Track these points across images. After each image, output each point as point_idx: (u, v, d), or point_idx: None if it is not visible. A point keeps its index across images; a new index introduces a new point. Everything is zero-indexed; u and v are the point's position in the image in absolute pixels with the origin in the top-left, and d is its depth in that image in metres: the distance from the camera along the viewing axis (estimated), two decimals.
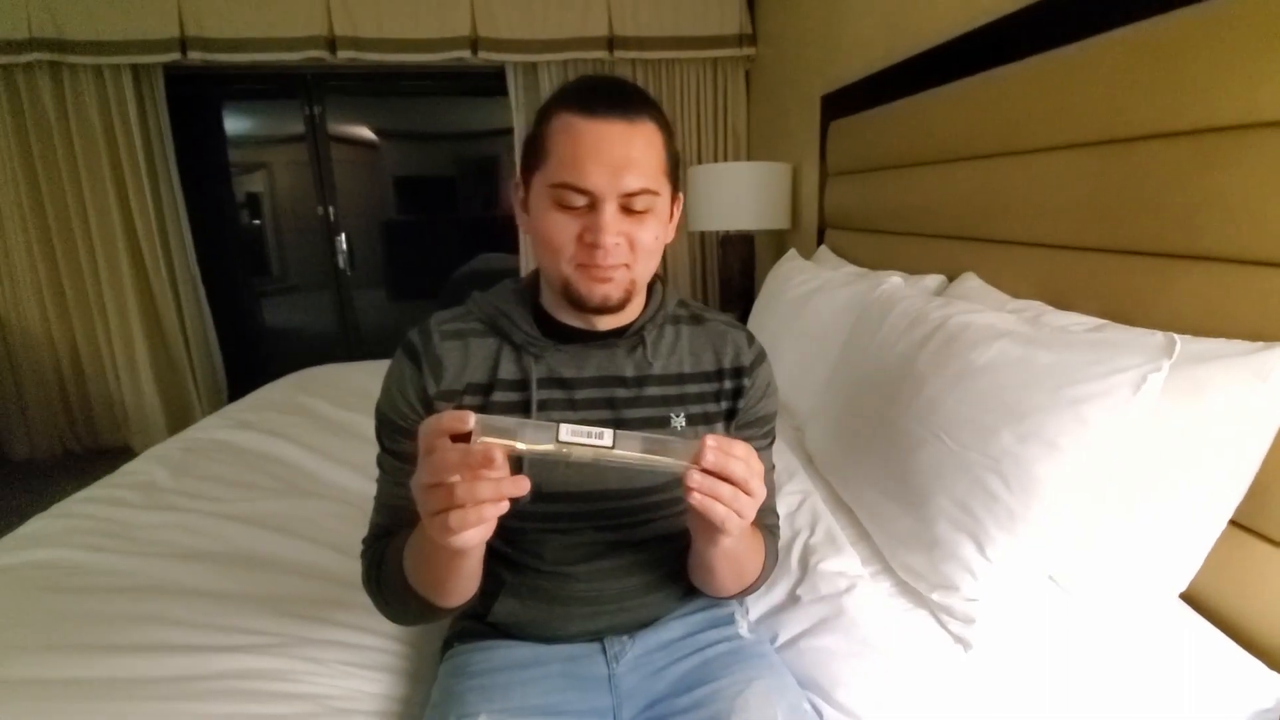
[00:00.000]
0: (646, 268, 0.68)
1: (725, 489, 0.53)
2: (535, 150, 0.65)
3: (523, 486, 0.49)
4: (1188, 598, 0.87)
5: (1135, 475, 0.82)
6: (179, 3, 2.56)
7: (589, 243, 0.63)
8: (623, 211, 0.63)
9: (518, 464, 0.63)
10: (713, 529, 0.56)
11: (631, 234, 0.64)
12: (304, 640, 0.85)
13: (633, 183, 0.62)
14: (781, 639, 0.86)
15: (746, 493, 0.54)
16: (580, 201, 0.62)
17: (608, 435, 0.51)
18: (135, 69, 2.63)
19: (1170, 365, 0.73)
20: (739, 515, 0.55)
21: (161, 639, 0.84)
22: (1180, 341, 0.74)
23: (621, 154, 0.62)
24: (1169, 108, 0.91)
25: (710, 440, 0.53)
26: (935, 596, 0.87)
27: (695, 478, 0.52)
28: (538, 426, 0.50)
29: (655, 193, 0.64)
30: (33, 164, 2.65)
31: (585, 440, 0.50)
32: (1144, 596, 0.84)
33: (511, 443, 0.49)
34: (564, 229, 0.64)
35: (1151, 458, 0.81)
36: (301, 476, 1.38)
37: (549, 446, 0.49)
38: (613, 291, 0.66)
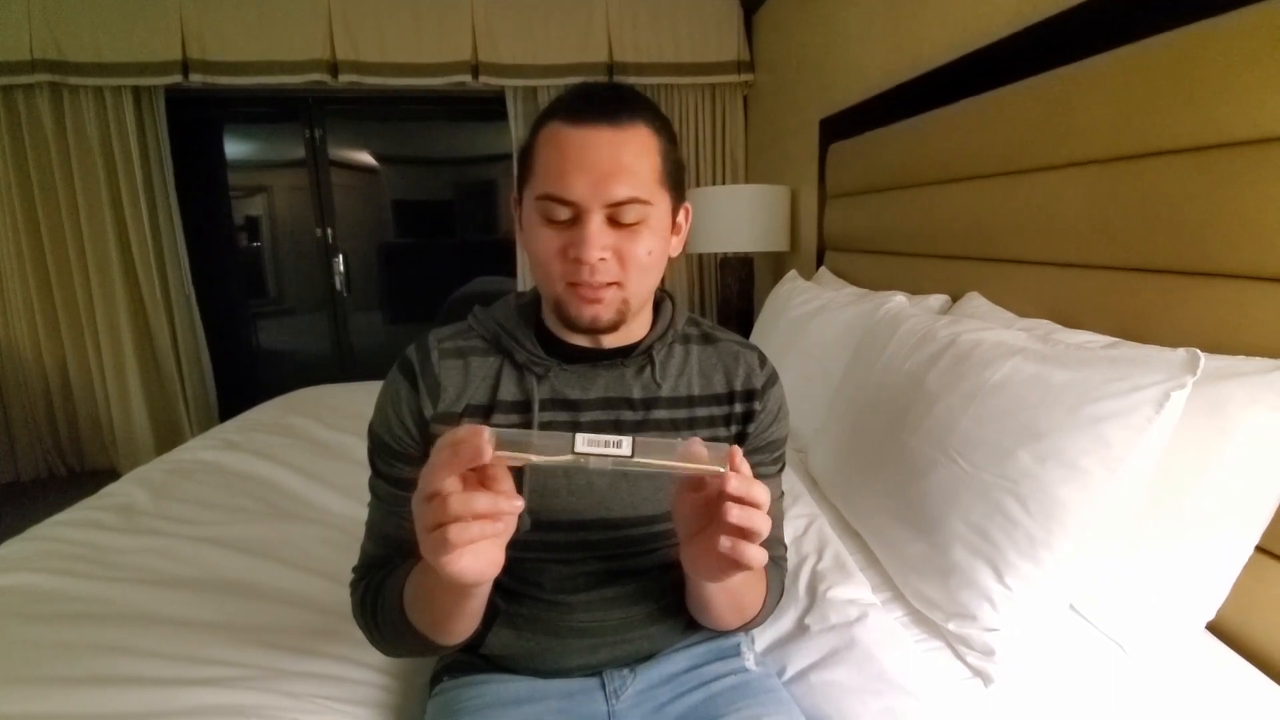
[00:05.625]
0: (641, 284, 0.63)
1: (759, 519, 0.48)
2: (526, 163, 0.63)
3: (517, 504, 0.47)
4: (1214, 628, 0.83)
5: (1156, 498, 0.78)
6: (182, 25, 2.58)
7: (572, 258, 0.59)
8: (611, 224, 0.59)
9: (519, 485, 0.59)
10: (719, 567, 0.52)
11: (621, 248, 0.59)
12: (281, 673, 0.80)
13: (620, 192, 0.57)
14: (790, 671, 0.81)
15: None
16: (564, 214, 0.58)
17: (626, 443, 0.47)
18: (136, 91, 2.64)
19: (1193, 382, 0.70)
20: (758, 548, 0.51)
21: (129, 671, 0.79)
22: (1204, 358, 0.71)
23: (608, 162, 0.57)
24: (1177, 124, 0.90)
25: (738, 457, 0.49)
26: (951, 626, 0.82)
27: (735, 511, 0.48)
28: (552, 437, 0.47)
29: (647, 202, 0.59)
30: (29, 184, 2.64)
31: (602, 450, 0.46)
32: (1169, 627, 0.80)
33: (525, 455, 0.46)
34: (549, 244, 0.60)
35: (1173, 479, 0.78)
36: (287, 499, 1.33)
37: (565, 458, 0.46)
38: (602, 312, 0.62)
